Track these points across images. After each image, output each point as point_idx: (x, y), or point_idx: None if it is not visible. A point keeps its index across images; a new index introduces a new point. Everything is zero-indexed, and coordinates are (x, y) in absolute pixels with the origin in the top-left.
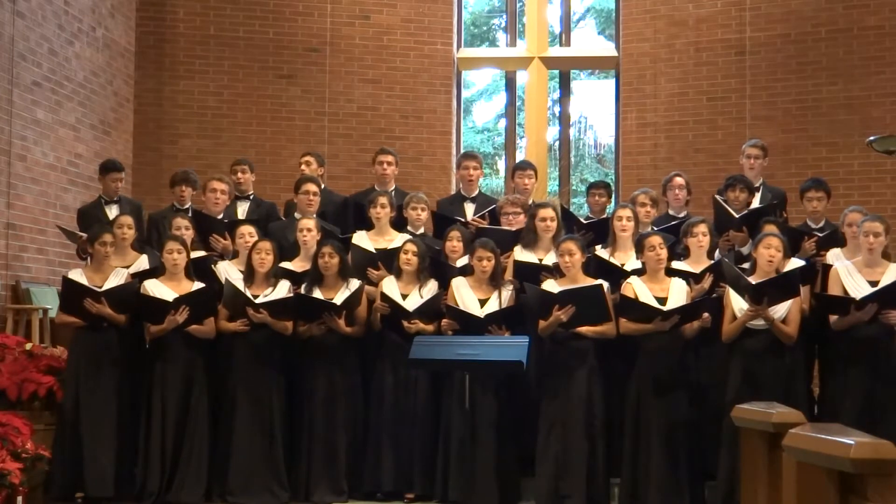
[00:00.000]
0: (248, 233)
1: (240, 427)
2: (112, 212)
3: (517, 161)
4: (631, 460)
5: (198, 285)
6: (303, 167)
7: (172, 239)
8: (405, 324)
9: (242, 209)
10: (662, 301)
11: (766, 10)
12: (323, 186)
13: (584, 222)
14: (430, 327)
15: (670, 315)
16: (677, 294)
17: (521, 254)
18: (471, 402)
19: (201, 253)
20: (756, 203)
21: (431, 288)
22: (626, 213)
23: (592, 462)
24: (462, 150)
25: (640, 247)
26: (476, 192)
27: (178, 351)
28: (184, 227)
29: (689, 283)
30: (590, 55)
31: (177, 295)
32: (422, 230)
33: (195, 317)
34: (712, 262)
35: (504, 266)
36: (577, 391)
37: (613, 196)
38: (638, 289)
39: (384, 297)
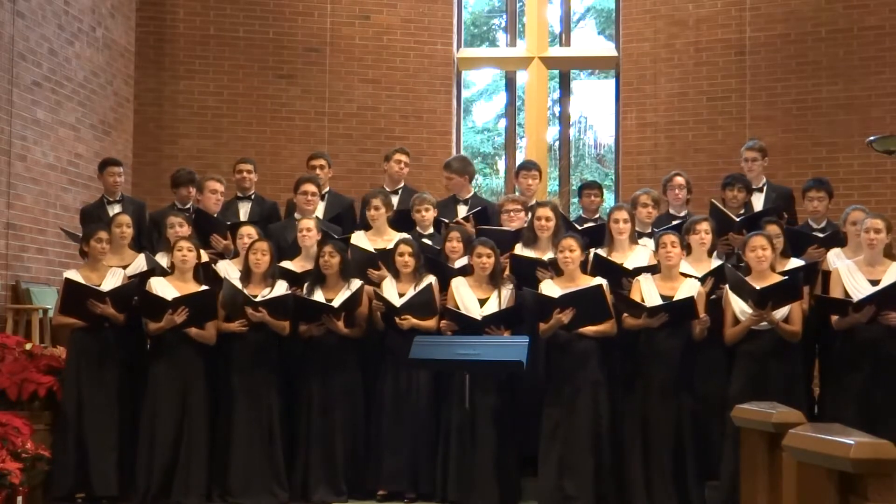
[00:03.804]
0: (247, 234)
1: (239, 427)
2: (114, 211)
3: (521, 161)
4: (632, 461)
5: (203, 288)
6: (318, 171)
7: (184, 238)
8: (397, 320)
9: (244, 209)
10: (668, 300)
11: (767, 10)
12: (329, 189)
13: (580, 228)
14: (428, 323)
15: (656, 312)
16: (685, 294)
17: (520, 251)
18: (471, 403)
19: (205, 258)
20: (759, 203)
21: (426, 283)
22: (623, 214)
23: (599, 462)
24: (461, 151)
25: (656, 244)
26: (469, 194)
27: (177, 351)
28: (177, 225)
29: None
30: (590, 55)
31: (179, 294)
32: (430, 230)
33: (195, 319)
34: (713, 260)
35: (504, 265)
36: (582, 393)
37: (613, 196)
38: (645, 287)
39: (377, 296)
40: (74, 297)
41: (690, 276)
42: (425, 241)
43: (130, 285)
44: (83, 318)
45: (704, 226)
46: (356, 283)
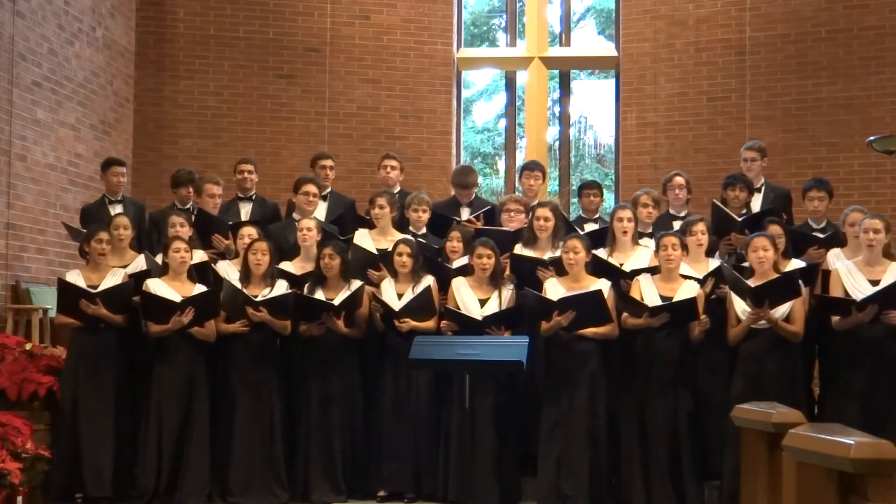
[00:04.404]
0: (247, 234)
1: (240, 427)
2: (115, 211)
3: (525, 162)
4: (630, 461)
5: (199, 287)
6: (327, 171)
7: (179, 239)
8: (396, 323)
9: (245, 210)
10: (667, 300)
11: (766, 10)
12: (331, 189)
13: (585, 231)
14: (427, 324)
15: (658, 312)
16: (684, 295)
17: (519, 251)
18: (471, 403)
19: (203, 257)
20: (758, 203)
21: (424, 285)
22: (627, 214)
23: (595, 462)
24: (461, 151)
25: (657, 245)
26: (472, 197)
27: (178, 352)
28: (178, 225)
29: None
30: (590, 55)
31: (179, 295)
32: (423, 230)
33: (198, 318)
34: (710, 260)
35: (504, 266)
36: (580, 392)
37: (614, 196)
38: (644, 287)
39: (375, 299)
40: (68, 297)
41: (690, 278)
42: (419, 241)
43: (123, 285)
44: (79, 318)
45: (700, 226)
46: (356, 284)
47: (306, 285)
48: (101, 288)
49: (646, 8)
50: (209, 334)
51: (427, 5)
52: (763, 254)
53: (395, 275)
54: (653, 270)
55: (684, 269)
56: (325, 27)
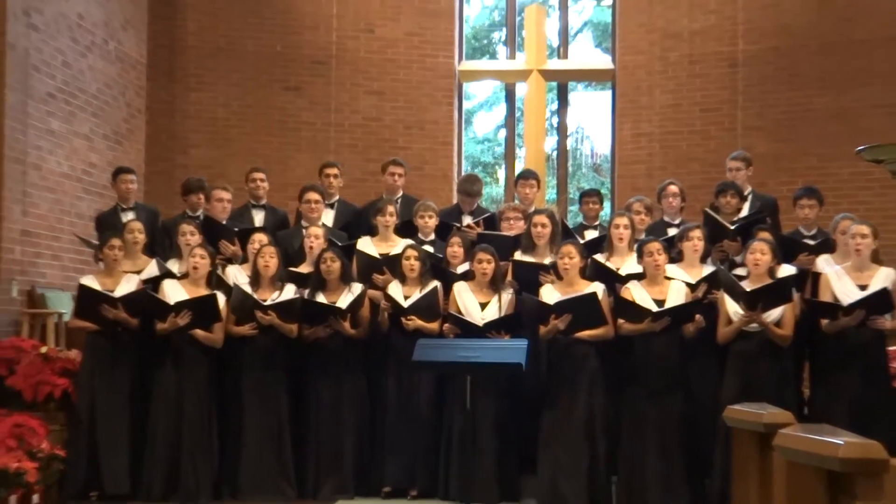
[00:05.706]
0: (258, 240)
1: (249, 428)
2: (127, 218)
3: (520, 170)
4: (629, 461)
5: (205, 293)
6: (331, 179)
7: (199, 245)
8: (403, 320)
9: (259, 217)
10: (660, 304)
11: (759, 24)
12: (339, 198)
13: (584, 241)
14: (432, 326)
15: (660, 316)
16: (675, 297)
17: (518, 257)
18: (472, 403)
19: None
20: (744, 212)
21: (432, 288)
22: (624, 221)
23: (593, 462)
24: (462, 160)
25: (640, 252)
26: (474, 205)
27: (180, 353)
28: (189, 233)
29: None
30: (587, 68)
31: (187, 297)
32: (431, 237)
33: (198, 322)
34: (705, 267)
35: (504, 270)
36: (579, 394)
37: (610, 204)
38: (636, 293)
39: (387, 297)
40: (88, 302)
41: (675, 279)
42: (426, 247)
43: (143, 291)
44: (97, 322)
45: (697, 233)
46: (357, 287)
47: (307, 290)
48: (117, 292)
49: (641, 22)
50: (216, 340)
51: (429, 19)
52: (760, 257)
53: (401, 279)
54: (643, 276)
55: (681, 275)
56: (331, 41)
